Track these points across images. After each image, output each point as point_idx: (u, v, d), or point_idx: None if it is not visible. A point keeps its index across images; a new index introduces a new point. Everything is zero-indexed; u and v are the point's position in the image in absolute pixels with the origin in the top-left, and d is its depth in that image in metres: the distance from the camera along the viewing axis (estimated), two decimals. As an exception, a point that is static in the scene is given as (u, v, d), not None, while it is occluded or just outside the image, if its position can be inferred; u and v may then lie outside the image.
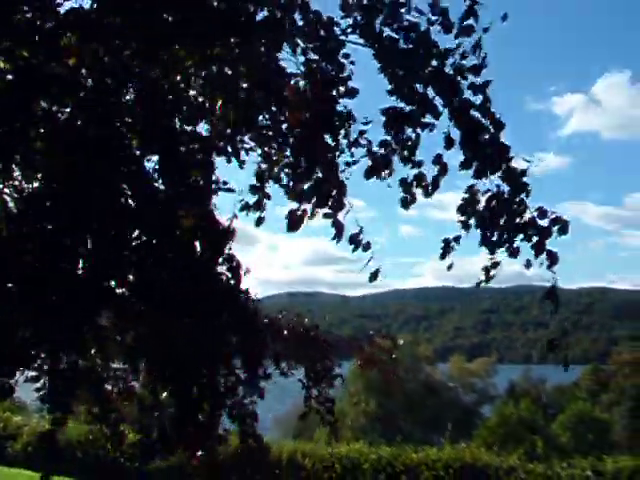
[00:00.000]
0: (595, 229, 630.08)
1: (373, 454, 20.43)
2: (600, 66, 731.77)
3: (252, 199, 5.99)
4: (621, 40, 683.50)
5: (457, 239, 5.49)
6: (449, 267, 5.60)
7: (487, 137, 5.10)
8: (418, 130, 5.38)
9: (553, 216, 5.12)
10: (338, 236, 5.42)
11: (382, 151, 5.53)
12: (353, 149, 5.61)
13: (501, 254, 5.40)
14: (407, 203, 5.61)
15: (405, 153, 5.49)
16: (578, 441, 45.86)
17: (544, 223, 5.15)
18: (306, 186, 5.45)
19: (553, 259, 5.17)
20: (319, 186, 5.40)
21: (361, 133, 5.64)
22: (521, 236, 5.18)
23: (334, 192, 5.42)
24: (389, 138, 5.46)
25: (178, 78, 5.45)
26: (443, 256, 5.49)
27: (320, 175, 5.43)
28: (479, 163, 5.18)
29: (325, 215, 5.44)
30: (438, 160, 5.44)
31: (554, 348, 5.48)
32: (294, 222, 5.41)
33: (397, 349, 10.12)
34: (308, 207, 5.44)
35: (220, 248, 5.57)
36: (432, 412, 63.20)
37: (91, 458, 22.77)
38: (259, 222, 6.02)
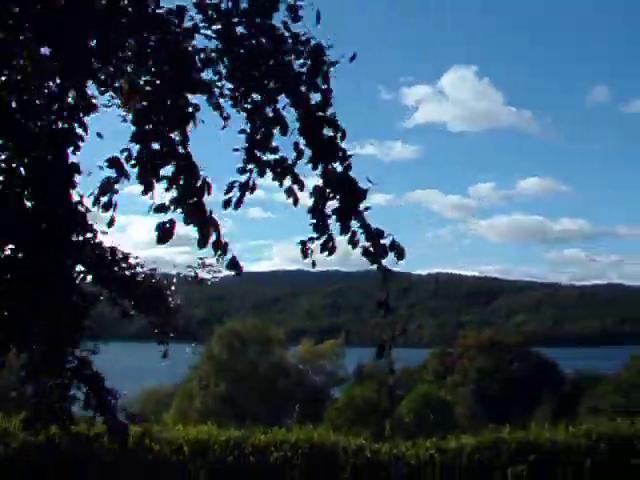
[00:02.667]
0: (443, 217, 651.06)
1: (222, 436, 20.33)
2: (448, 59, 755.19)
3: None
4: (468, 35, 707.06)
5: (312, 239, 5.53)
6: (313, 264, 5.63)
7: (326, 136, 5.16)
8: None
9: (388, 242, 5.25)
10: (203, 243, 5.35)
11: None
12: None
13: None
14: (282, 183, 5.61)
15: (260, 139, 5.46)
16: (423, 422, 47.26)
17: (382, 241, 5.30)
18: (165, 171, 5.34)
19: (400, 253, 5.28)
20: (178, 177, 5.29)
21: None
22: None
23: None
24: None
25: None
26: (305, 256, 5.55)
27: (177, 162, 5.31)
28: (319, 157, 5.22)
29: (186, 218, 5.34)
30: (295, 147, 5.43)
31: (383, 352, 5.75)
32: (165, 233, 5.29)
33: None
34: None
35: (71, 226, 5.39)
36: (282, 394, 63.74)
37: None
38: (108, 206, 5.78)
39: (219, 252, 5.29)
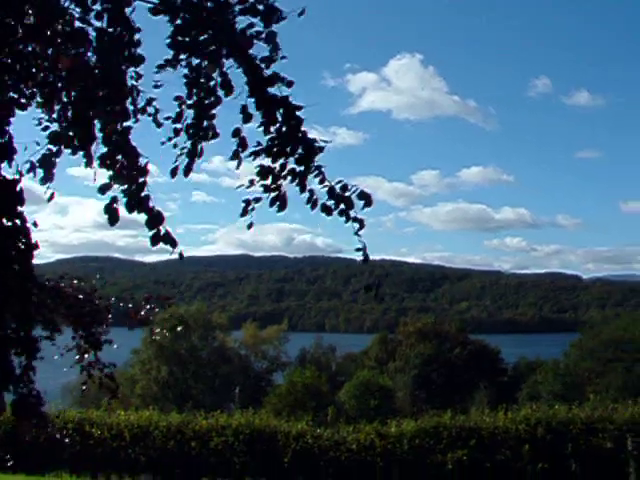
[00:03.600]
0: (387, 204, 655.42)
1: (163, 421, 20.23)
2: (393, 47, 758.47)
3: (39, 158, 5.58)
4: (414, 23, 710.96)
5: (257, 200, 5.37)
6: (249, 226, 5.47)
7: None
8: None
9: (356, 190, 5.14)
10: (134, 207, 5.18)
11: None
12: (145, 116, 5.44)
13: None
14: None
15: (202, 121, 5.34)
16: (364, 407, 47.50)
17: (347, 194, 5.16)
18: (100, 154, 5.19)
19: (361, 225, 5.20)
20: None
21: (149, 102, 5.46)
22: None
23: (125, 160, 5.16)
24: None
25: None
26: (244, 214, 5.36)
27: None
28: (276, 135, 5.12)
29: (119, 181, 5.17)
30: (236, 133, 5.31)
31: (370, 290, 5.62)
32: (114, 215, 5.13)
33: (170, 306, 10.17)
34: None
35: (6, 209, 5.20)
36: (224, 379, 63.61)
37: None
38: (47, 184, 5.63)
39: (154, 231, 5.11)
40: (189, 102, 5.28)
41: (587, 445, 17.92)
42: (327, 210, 5.20)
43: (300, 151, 5.11)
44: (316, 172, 5.15)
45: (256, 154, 5.18)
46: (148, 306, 9.73)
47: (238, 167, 5.38)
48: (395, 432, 18.67)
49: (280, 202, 5.29)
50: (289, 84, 5.03)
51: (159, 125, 5.49)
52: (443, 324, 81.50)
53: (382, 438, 18.55)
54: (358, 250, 5.30)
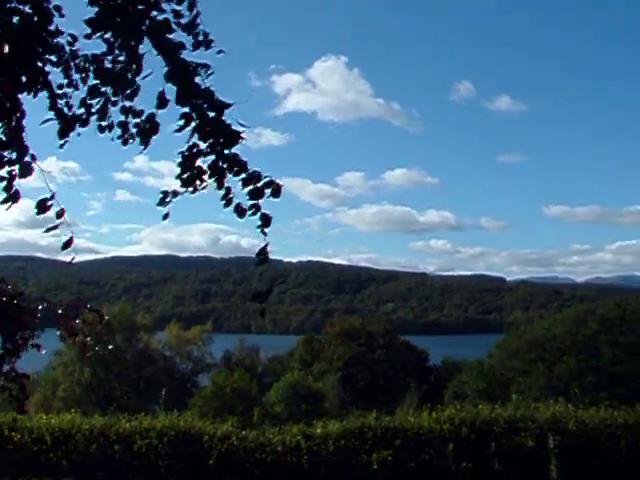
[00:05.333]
0: (313, 206, 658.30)
1: (85, 424, 19.86)
2: (318, 49, 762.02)
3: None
4: (340, 25, 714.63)
5: (175, 193, 5.25)
6: (165, 216, 5.35)
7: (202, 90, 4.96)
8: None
9: (267, 180, 5.07)
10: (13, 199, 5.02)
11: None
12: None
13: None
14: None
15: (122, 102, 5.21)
16: (292, 409, 47.44)
17: (259, 185, 5.08)
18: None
19: (266, 220, 5.13)
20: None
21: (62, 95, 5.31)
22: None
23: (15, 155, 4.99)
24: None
25: None
26: (161, 203, 5.24)
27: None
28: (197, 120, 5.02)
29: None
30: (150, 119, 5.20)
31: (257, 299, 5.51)
32: (43, 207, 4.96)
33: (102, 322, 9.84)
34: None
35: None
36: (149, 381, 62.95)
37: None
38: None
39: (36, 210, 4.96)
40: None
41: (510, 444, 18.19)
42: (240, 212, 5.14)
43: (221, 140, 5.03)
44: (236, 167, 5.07)
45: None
46: (78, 318, 9.37)
47: (142, 151, 5.28)
48: (321, 433, 18.67)
49: (195, 187, 5.21)
50: (207, 67, 4.95)
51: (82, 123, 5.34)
52: (369, 325, 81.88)
53: (308, 439, 18.54)
54: (260, 253, 5.25)
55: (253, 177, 5.05)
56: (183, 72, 4.87)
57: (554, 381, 59.57)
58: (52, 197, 4.92)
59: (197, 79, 4.92)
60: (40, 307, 9.37)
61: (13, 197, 5.00)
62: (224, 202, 5.16)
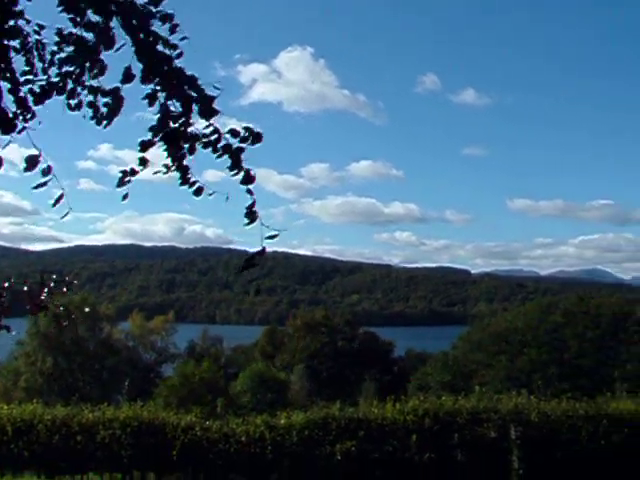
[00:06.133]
0: (278, 196, 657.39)
1: (47, 415, 19.67)
2: (284, 40, 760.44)
3: None
4: (306, 16, 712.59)
5: (134, 172, 5.20)
6: (124, 197, 5.30)
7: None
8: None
9: (246, 127, 5.05)
10: None
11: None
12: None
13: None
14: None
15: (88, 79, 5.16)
16: (257, 399, 47.46)
17: (235, 143, 5.05)
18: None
19: (249, 178, 5.09)
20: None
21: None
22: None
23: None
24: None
25: None
26: (120, 184, 5.19)
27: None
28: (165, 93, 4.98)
29: None
30: (114, 93, 5.15)
31: (249, 265, 5.43)
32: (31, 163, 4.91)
33: (69, 289, 9.75)
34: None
35: None
36: (112, 371, 62.58)
37: None
38: None
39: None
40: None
41: (472, 435, 18.30)
42: (198, 190, 5.12)
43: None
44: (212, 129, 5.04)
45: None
46: (46, 290, 9.27)
47: (106, 126, 5.23)
48: (284, 424, 18.66)
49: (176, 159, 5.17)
50: (173, 27, 4.91)
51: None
52: (334, 317, 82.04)
53: (271, 430, 18.52)
54: (247, 210, 5.17)
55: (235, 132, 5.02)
56: (150, 46, 4.83)
57: (516, 373, 60.21)
58: (39, 155, 4.87)
59: (164, 49, 4.89)
60: (6, 285, 9.27)
61: None
62: (180, 181, 5.12)
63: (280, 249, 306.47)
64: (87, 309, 60.95)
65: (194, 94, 4.93)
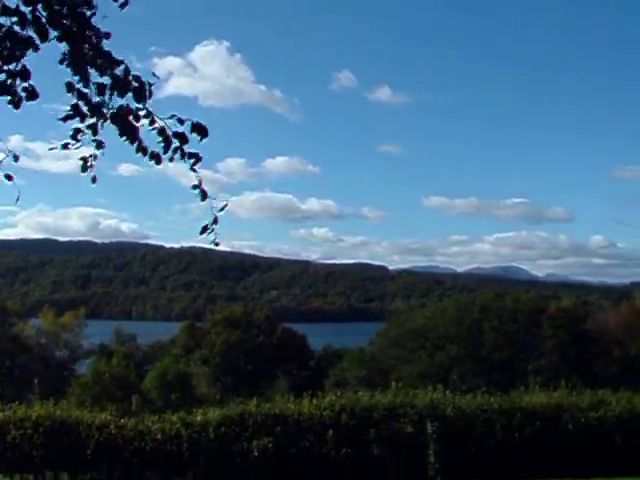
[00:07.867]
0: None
1: (-46, 415, 19.12)
2: (199, 33, 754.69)
3: None
4: (220, 10, 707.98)
5: (94, 156, 5.20)
6: (93, 180, 5.29)
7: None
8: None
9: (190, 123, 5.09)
10: None
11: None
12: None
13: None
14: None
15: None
16: (167, 396, 47.03)
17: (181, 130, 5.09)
18: None
19: (196, 158, 5.16)
20: None
21: None
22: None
23: None
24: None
25: None
26: (84, 170, 5.20)
27: None
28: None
29: None
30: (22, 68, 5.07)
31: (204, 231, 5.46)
32: None
33: None
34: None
35: None
36: (22, 368, 61.22)
37: None
38: None
39: None
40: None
41: (389, 430, 18.47)
42: (157, 158, 5.13)
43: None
44: (145, 112, 5.05)
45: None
46: None
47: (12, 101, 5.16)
48: (201, 421, 18.54)
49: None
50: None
51: None
52: (250, 312, 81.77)
53: (188, 427, 18.37)
54: (195, 187, 5.30)
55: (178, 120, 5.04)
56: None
57: (434, 369, 61.01)
58: None
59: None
60: None
61: None
62: (140, 153, 5.19)
63: (197, 244, 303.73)
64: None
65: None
